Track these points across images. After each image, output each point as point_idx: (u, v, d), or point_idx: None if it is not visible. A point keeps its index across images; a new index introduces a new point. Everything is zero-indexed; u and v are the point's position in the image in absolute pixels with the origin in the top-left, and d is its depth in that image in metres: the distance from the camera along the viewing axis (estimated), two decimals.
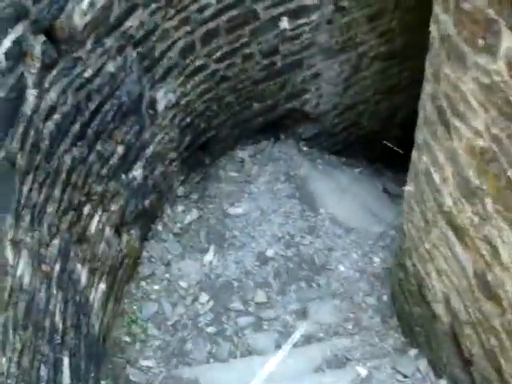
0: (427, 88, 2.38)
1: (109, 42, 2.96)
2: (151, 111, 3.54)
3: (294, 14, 4.11)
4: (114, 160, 3.23)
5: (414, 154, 2.71)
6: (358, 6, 4.37)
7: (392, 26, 4.75)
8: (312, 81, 4.61)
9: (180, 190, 4.21)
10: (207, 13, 3.66)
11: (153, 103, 3.54)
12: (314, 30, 4.29)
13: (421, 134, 2.55)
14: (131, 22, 3.13)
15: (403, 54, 5.08)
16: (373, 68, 4.96)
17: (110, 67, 3.02)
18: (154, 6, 3.26)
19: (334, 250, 3.89)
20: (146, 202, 3.78)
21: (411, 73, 5.33)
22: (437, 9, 2.13)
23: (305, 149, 4.86)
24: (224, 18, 3.78)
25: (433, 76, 2.29)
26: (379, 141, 5.67)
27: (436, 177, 2.38)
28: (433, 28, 2.23)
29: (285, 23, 4.11)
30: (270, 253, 3.90)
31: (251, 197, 4.22)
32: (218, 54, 3.92)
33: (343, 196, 4.38)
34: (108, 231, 3.33)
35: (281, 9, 4.01)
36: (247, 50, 4.07)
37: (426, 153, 2.47)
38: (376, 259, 3.84)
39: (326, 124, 5.00)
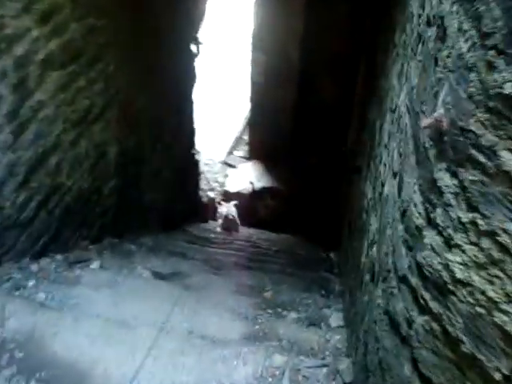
0: None
1: None
2: None
3: None
4: None
5: None
6: None
7: None
8: None
9: None
10: None
11: None
12: None
13: None
14: None
15: (90, 54, 2.98)
16: (49, 83, 2.70)
17: None
18: None
19: None
20: None
21: (107, 85, 3.28)
22: None
23: None
24: None
25: None
26: (92, 207, 3.46)
27: None
28: None
29: None
30: None
31: None
32: None
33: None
34: None
35: None
36: None
37: None
38: None
39: (5, 207, 2.51)
